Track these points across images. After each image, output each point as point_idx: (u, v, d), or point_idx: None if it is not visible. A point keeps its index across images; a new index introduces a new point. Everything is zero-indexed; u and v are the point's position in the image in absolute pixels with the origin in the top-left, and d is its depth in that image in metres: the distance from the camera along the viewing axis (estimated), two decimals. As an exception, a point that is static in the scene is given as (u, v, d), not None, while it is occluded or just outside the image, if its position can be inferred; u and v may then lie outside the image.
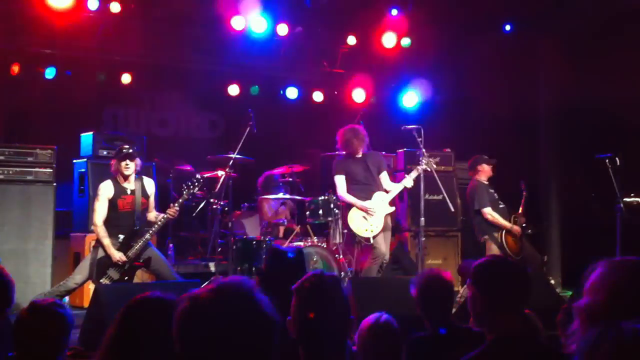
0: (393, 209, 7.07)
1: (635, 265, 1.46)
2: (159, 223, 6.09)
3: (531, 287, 2.52)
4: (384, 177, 7.12)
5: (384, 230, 6.93)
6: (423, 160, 6.92)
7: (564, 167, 9.19)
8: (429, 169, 6.96)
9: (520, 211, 7.63)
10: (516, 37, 9.65)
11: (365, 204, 6.90)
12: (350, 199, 6.95)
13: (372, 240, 6.86)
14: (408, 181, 6.99)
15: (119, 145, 6.47)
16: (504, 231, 7.38)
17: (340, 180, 7.00)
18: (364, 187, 6.99)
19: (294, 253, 3.74)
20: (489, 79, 9.58)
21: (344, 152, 7.11)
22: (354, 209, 6.95)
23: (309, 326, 2.22)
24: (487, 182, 7.62)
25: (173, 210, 6.11)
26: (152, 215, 6.28)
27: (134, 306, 2.22)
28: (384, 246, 6.90)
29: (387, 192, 7.00)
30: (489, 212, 7.37)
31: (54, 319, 2.81)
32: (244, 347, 1.53)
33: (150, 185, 6.28)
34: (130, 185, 6.12)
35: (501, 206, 7.56)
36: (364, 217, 6.91)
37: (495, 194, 7.60)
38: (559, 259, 9.00)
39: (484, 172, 7.63)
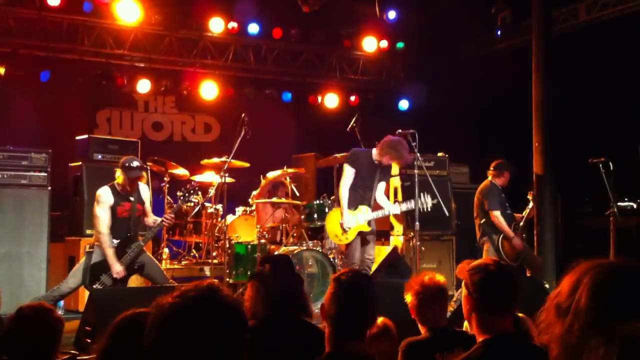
0: (370, 228, 6.68)
1: (610, 265, 1.47)
2: (153, 230, 6.09)
3: (522, 291, 2.54)
4: (381, 186, 6.82)
5: (368, 235, 6.66)
6: (422, 201, 6.61)
7: (558, 170, 9.21)
8: (422, 210, 6.64)
9: (521, 216, 7.68)
10: (509, 41, 9.69)
11: (345, 217, 6.53)
12: (342, 197, 6.61)
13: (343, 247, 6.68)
14: (395, 208, 6.75)
15: (129, 160, 6.05)
16: (502, 235, 7.43)
17: (349, 172, 6.65)
18: (360, 191, 6.69)
19: (284, 259, 3.77)
20: (483, 83, 9.61)
21: (369, 149, 6.78)
22: (336, 210, 6.68)
23: (340, 311, 2.53)
24: (500, 188, 7.70)
25: (169, 217, 6.13)
26: (150, 220, 6.22)
27: (120, 325, 2.16)
28: (358, 252, 6.60)
29: (375, 205, 6.75)
30: (497, 216, 7.44)
31: (42, 324, 2.77)
32: (207, 347, 1.53)
33: (145, 191, 6.24)
34: (129, 193, 6.10)
35: (508, 212, 7.62)
36: (341, 223, 6.58)
37: (505, 199, 7.66)
38: (553, 262, 9.01)
39: (504, 178, 7.72)
